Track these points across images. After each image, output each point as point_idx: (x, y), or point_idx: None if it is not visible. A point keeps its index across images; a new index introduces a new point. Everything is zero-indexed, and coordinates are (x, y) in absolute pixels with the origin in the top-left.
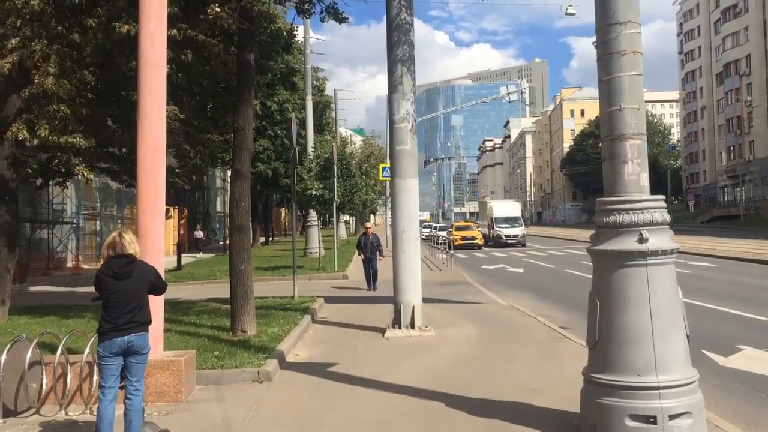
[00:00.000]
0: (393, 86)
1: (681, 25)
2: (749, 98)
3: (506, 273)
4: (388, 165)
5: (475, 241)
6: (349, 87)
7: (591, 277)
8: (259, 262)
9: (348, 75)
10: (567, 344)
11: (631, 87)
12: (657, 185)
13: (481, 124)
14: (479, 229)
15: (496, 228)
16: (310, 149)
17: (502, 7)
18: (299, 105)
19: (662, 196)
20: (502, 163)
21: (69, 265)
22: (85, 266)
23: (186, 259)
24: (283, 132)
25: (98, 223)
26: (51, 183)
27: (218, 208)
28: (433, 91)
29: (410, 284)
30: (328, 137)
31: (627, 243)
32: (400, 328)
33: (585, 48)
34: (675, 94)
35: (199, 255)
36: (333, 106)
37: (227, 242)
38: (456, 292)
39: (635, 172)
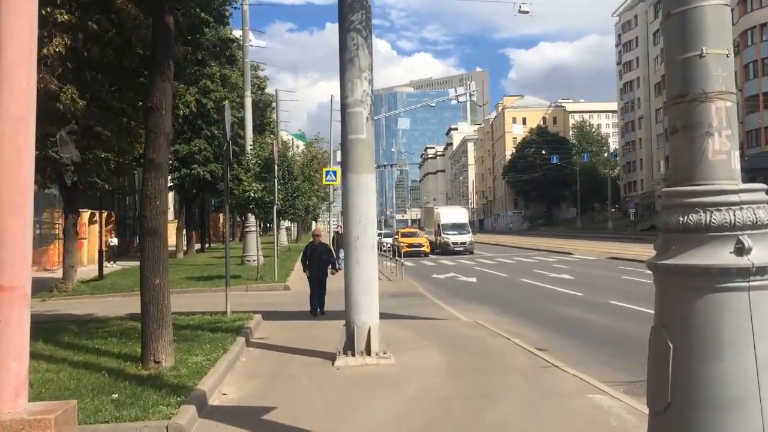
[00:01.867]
0: (347, 61)
1: (619, 36)
2: None
3: (459, 283)
4: (333, 169)
5: (422, 249)
6: (285, 105)
7: (550, 288)
8: (192, 271)
9: (290, 81)
10: (558, 375)
11: (717, 22)
12: (596, 193)
13: (423, 132)
14: (425, 236)
15: (443, 235)
16: (248, 148)
17: (442, 17)
18: (238, 103)
19: (765, 186)
20: (444, 171)
21: None
22: None
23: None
24: (221, 132)
25: None
26: None
27: None
28: (376, 98)
29: (366, 301)
30: (269, 139)
31: (718, 255)
32: (353, 354)
33: (523, 59)
34: (612, 105)
35: (112, 265)
36: (274, 105)
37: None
38: (410, 305)
39: (724, 148)
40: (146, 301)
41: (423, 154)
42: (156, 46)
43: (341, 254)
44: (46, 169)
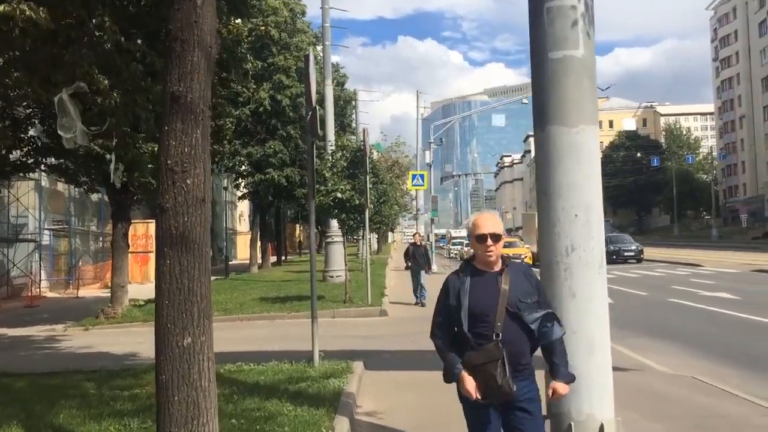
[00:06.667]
0: None
1: (715, 30)
2: None
3: None
4: (420, 172)
5: (523, 260)
6: (365, 106)
7: (723, 312)
8: (267, 290)
9: (363, 95)
10: None
11: None
12: (689, 199)
13: (498, 140)
14: (526, 246)
15: None
16: (331, 138)
17: (513, 26)
18: (318, 97)
19: None
20: (521, 179)
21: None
22: (51, 294)
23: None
24: (298, 133)
25: (71, 240)
26: None
27: (226, 223)
28: (449, 107)
29: (591, 373)
30: (352, 137)
31: None
32: None
33: (600, 67)
34: (705, 107)
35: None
36: (354, 104)
37: (227, 261)
38: None
39: None
40: (164, 381)
41: (499, 163)
42: None
43: (421, 281)
44: (91, 167)
